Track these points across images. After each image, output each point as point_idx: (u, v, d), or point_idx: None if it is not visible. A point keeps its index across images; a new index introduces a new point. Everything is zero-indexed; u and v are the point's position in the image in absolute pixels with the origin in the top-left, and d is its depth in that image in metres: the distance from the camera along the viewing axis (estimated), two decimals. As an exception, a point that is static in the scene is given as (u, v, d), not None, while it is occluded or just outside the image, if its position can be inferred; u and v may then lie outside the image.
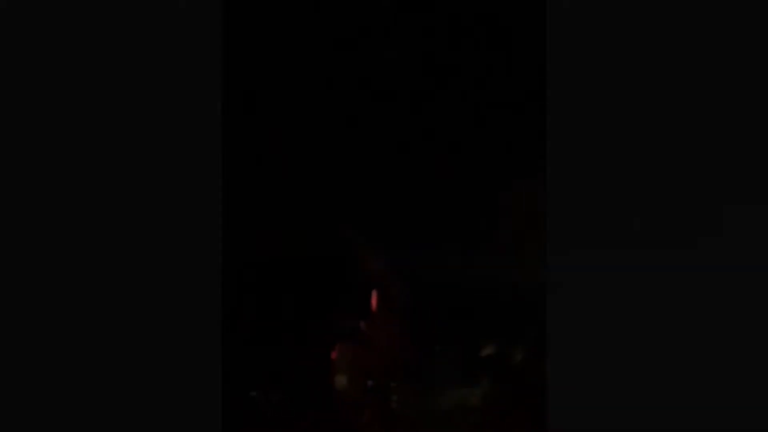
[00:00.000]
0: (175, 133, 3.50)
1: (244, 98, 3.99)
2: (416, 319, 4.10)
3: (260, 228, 4.09)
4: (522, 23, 3.90)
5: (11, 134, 3.49)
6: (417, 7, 3.98)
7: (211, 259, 3.56)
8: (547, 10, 3.52)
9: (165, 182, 3.49)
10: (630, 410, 3.41)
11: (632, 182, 3.49)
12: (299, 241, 4.11)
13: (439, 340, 4.07)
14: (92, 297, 3.48)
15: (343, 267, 4.08)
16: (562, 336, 3.43)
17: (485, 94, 4.06)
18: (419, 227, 4.12)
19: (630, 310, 3.42)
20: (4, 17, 3.49)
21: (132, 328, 3.48)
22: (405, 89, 4.09)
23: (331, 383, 4.00)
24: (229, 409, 3.76)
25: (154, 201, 3.50)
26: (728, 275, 3.35)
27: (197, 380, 3.53)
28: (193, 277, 3.53)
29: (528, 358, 4.02)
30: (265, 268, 4.12)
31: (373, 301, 4.09)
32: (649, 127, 3.43)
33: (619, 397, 3.45)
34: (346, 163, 4.12)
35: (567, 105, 3.48)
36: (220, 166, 3.53)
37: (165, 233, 3.54)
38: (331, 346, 4.04)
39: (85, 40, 3.50)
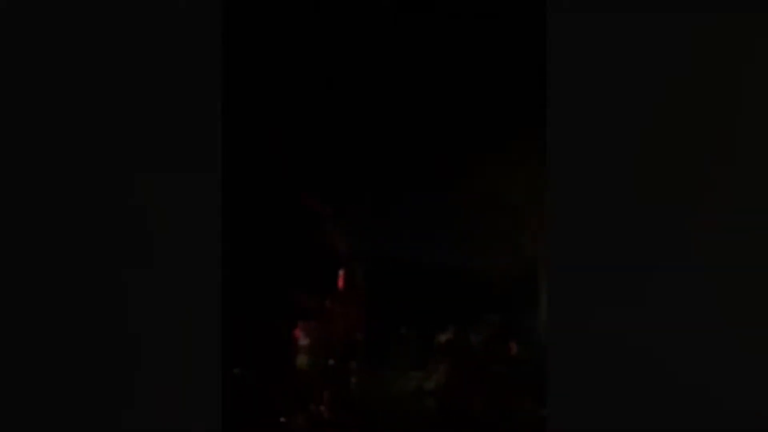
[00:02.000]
0: (176, 133, 3.45)
1: (244, 98, 3.91)
2: (379, 302, 4.09)
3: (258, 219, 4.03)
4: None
5: (11, 134, 3.36)
6: (417, 7, 3.98)
7: (212, 254, 3.50)
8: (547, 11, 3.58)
9: (165, 178, 3.44)
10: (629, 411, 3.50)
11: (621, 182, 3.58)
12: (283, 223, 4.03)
13: (401, 324, 4.09)
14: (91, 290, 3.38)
15: (309, 246, 4.01)
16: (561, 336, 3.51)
17: (485, 94, 4.10)
18: (390, 214, 4.12)
19: (630, 310, 3.53)
20: (6, 16, 3.37)
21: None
22: (404, 89, 4.08)
23: (293, 362, 3.93)
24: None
25: (154, 195, 3.44)
26: (727, 275, 3.51)
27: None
28: (194, 272, 3.47)
29: (488, 343, 4.10)
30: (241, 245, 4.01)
31: (340, 281, 4.05)
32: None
33: (617, 398, 3.53)
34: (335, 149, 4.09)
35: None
36: (220, 166, 3.51)
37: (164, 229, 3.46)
38: (294, 325, 3.97)
39: (85, 40, 3.41)
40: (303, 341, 3.96)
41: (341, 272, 4.05)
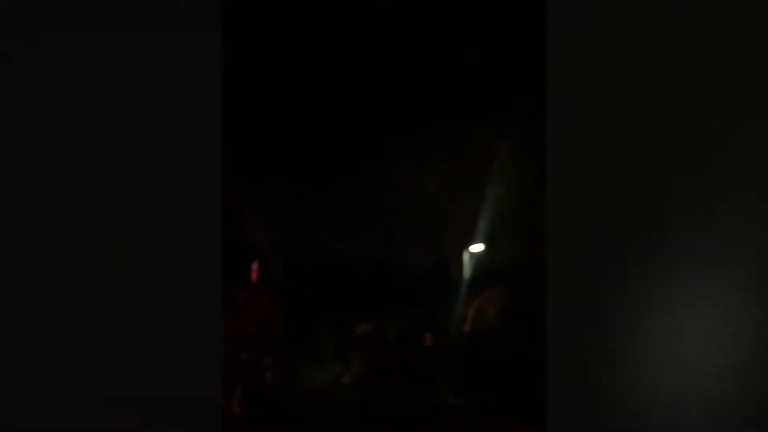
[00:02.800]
0: (175, 133, 3.45)
1: (244, 98, 3.84)
2: (294, 294, 4.02)
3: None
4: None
5: (11, 134, 3.43)
6: (417, 7, 3.92)
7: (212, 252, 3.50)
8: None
9: (165, 181, 3.44)
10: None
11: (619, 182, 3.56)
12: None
13: (318, 317, 4.02)
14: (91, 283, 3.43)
15: (221, 236, 3.92)
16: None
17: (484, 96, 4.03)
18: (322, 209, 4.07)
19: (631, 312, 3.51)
20: (5, 17, 3.42)
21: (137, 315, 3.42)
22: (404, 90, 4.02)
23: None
24: None
25: (153, 198, 3.44)
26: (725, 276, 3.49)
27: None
28: (193, 267, 3.47)
29: (404, 336, 4.04)
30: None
31: (253, 272, 3.96)
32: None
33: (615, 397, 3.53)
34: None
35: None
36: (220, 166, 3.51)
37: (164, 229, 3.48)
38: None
39: (85, 39, 3.46)
40: (215, 334, 3.87)
41: (255, 264, 3.96)
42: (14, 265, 3.40)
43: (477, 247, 4.01)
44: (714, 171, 3.50)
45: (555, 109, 3.50)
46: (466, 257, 4.02)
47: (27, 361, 3.38)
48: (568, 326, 3.48)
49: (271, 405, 3.89)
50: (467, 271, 4.02)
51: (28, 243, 3.41)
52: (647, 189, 3.48)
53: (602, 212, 3.50)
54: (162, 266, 3.48)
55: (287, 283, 4.03)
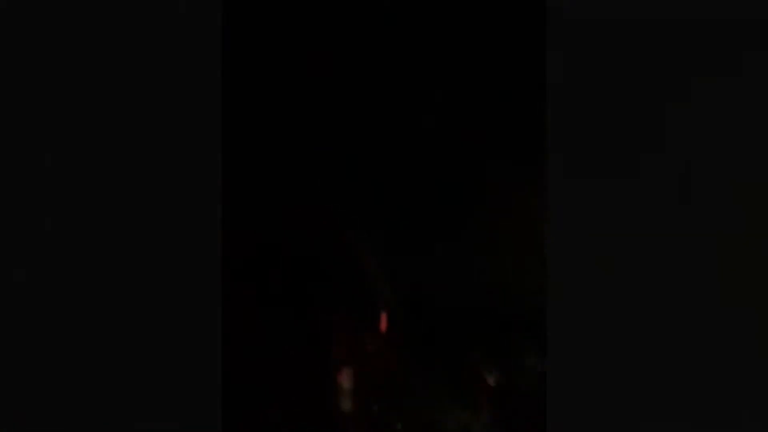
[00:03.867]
0: (175, 133, 3.45)
1: (243, 98, 3.88)
2: (422, 343, 4.05)
3: (261, 237, 3.99)
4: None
5: (11, 134, 3.40)
6: (417, 7, 3.91)
7: (211, 269, 3.50)
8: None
9: (164, 182, 3.45)
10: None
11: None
12: (302, 253, 4.00)
13: (445, 365, 4.03)
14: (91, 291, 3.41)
15: (353, 288, 3.99)
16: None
17: (485, 97, 4.02)
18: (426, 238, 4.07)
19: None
20: (4, 17, 3.42)
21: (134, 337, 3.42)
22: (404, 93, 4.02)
23: (336, 407, 3.90)
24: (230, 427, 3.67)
25: (152, 201, 3.45)
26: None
27: (197, 396, 3.45)
28: (191, 283, 3.47)
29: (532, 385, 4.02)
30: (267, 282, 4.00)
31: (382, 323, 4.01)
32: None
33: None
34: (344, 163, 4.04)
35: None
36: (220, 167, 3.50)
37: (162, 246, 3.48)
38: (337, 368, 3.94)
39: (85, 39, 3.48)
40: (346, 385, 3.93)
41: (383, 315, 4.01)
42: (12, 265, 3.41)
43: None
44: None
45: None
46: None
47: (27, 361, 3.40)
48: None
49: (403, 455, 3.93)
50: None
51: (27, 243, 3.43)
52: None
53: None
54: (162, 266, 3.49)
55: (415, 332, 4.06)
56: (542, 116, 3.52)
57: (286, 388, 3.88)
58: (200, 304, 3.47)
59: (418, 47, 3.89)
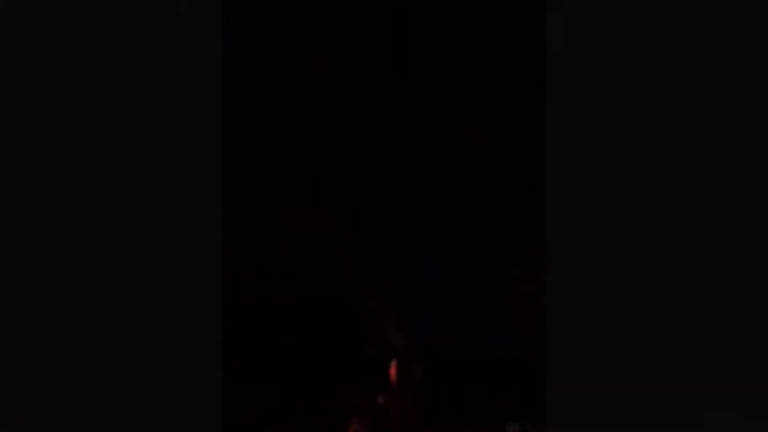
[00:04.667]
0: (175, 133, 3.48)
1: (243, 98, 3.91)
2: (435, 395, 3.92)
3: (265, 286, 3.96)
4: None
5: (11, 134, 3.44)
6: (417, 6, 3.96)
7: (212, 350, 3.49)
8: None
9: (164, 184, 3.46)
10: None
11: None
12: (310, 308, 3.94)
13: (463, 420, 3.89)
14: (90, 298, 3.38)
15: (362, 339, 3.90)
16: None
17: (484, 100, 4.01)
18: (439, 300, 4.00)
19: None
20: (4, 17, 3.45)
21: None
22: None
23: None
24: None
25: (153, 204, 3.46)
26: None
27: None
28: (192, 343, 3.44)
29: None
30: (273, 337, 3.93)
31: (392, 374, 3.90)
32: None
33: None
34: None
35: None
36: (220, 168, 3.52)
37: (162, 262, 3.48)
38: (348, 422, 3.82)
39: (84, 39, 3.50)
40: (358, 438, 3.80)
41: (393, 366, 3.90)
42: (10, 265, 3.37)
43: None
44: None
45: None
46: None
47: (27, 361, 3.33)
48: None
49: None
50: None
51: (27, 243, 3.39)
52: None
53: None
54: (161, 267, 3.42)
55: (430, 386, 3.94)
56: (542, 116, 3.51)
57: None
58: (200, 354, 3.42)
59: (418, 47, 3.94)
